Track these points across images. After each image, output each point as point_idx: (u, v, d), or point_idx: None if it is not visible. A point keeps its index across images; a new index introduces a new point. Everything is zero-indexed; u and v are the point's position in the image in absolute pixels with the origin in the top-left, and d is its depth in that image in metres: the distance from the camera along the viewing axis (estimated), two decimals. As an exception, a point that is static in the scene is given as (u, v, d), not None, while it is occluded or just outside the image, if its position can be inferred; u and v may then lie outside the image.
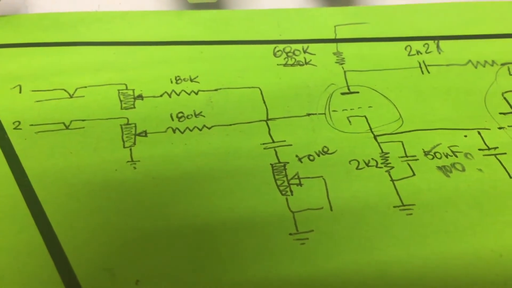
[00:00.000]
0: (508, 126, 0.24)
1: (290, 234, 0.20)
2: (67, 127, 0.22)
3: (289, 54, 0.26)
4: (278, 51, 0.27)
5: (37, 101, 0.23)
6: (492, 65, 0.27)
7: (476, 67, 0.27)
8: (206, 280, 0.18)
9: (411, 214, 0.21)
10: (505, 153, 0.23)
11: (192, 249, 0.19)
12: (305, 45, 0.27)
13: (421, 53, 0.27)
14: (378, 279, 0.19)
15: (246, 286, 0.18)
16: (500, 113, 0.24)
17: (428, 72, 0.26)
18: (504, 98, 0.25)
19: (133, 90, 0.24)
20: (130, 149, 0.22)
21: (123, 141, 0.22)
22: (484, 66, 0.27)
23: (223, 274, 0.19)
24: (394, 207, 0.21)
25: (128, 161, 0.21)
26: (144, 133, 0.22)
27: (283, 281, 0.18)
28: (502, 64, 0.27)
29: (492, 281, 0.19)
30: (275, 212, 0.20)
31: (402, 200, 0.21)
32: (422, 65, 0.27)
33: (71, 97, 0.23)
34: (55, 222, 0.19)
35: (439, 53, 0.27)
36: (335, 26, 0.28)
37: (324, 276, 0.19)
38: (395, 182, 0.22)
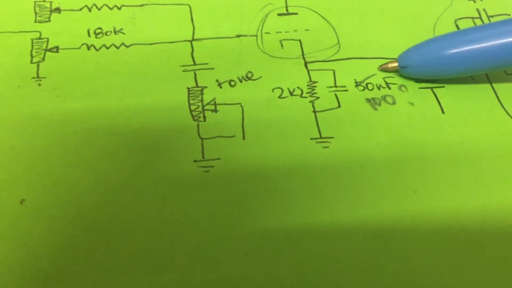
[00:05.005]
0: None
1: (195, 161, 0.19)
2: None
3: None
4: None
5: None
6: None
7: (435, -12, 0.24)
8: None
9: (327, 147, 0.19)
10: (443, 86, 0.21)
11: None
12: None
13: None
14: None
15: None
16: (449, 42, 0.22)
17: (380, -7, 0.24)
18: (456, 26, 0.23)
19: (51, 2, 0.22)
20: (38, 65, 0.20)
21: (32, 56, 0.21)
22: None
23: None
24: (311, 139, 0.20)
25: (33, 77, 0.20)
26: (56, 49, 0.21)
27: (183, 209, 0.18)
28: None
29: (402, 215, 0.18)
30: (183, 138, 0.19)
31: (321, 132, 0.20)
32: (375, -15, 0.24)
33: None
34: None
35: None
36: None
37: (226, 202, 0.18)
38: (317, 113, 0.20)
